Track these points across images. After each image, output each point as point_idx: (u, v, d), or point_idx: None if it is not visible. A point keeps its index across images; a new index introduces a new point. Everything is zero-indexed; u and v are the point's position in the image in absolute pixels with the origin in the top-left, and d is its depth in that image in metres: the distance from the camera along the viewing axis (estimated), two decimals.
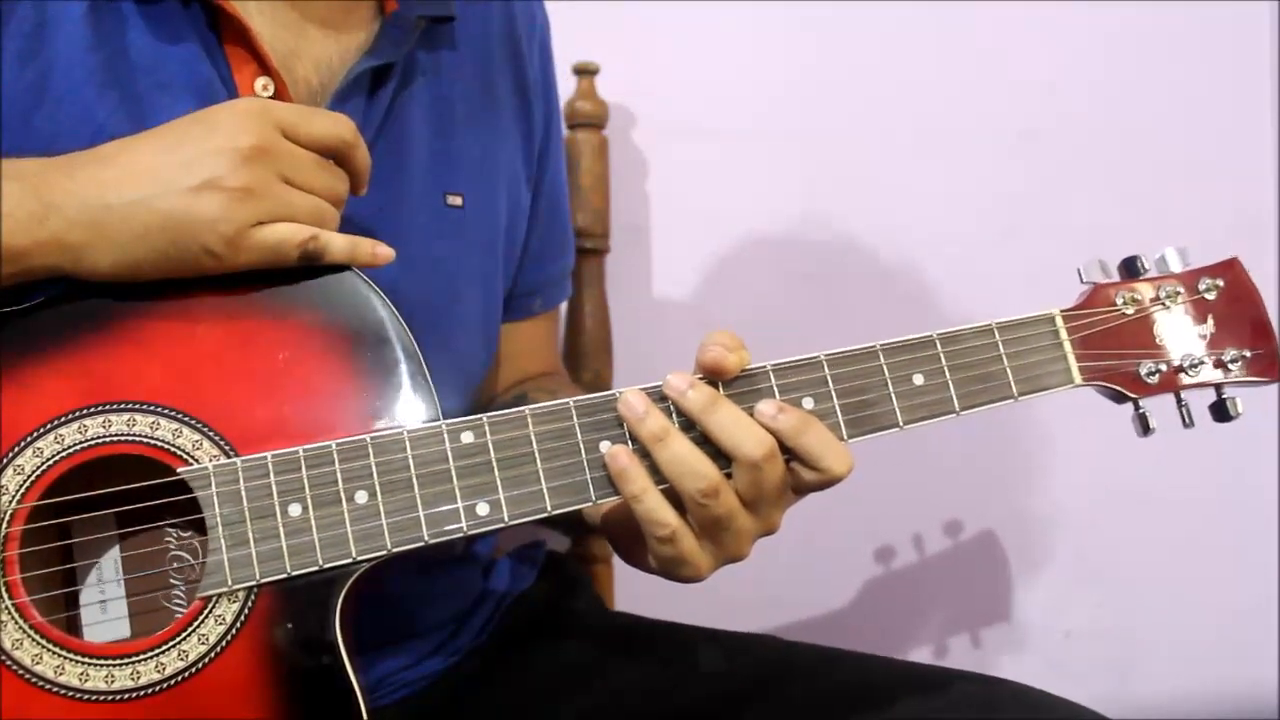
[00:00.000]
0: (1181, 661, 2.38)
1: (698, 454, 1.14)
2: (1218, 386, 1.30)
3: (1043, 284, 2.15)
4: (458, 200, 1.46)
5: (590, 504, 1.15)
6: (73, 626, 1.14)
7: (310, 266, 1.16)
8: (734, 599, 2.08)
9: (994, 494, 2.30)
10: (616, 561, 2.05)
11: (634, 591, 2.12)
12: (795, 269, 2.29)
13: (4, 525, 1.07)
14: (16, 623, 1.06)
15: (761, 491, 1.16)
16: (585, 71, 2.13)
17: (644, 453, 1.15)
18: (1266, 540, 2.34)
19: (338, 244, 1.16)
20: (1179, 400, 1.29)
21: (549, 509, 1.14)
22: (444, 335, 1.40)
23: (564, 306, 1.97)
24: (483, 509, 1.12)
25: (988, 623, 2.36)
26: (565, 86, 1.78)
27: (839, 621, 2.30)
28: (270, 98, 1.31)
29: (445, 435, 1.13)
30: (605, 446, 1.15)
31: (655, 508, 1.14)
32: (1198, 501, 2.31)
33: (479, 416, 1.14)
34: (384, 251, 1.19)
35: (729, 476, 1.16)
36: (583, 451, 1.15)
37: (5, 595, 1.06)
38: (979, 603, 2.37)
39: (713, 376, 1.19)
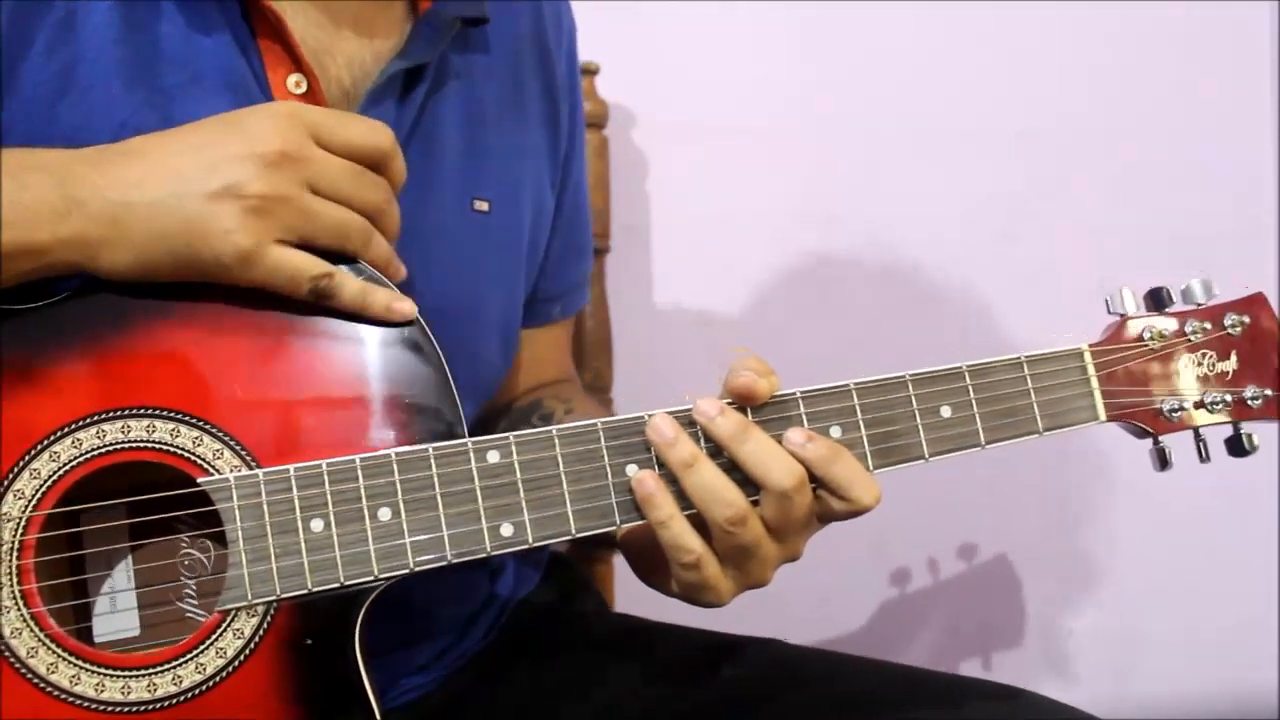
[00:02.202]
0: (1182, 662, 2.41)
1: (726, 481, 1.14)
2: (1235, 423, 1.31)
3: (1042, 283, 2.18)
4: (484, 205, 1.44)
5: (614, 527, 1.15)
6: (84, 630, 1.13)
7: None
8: (738, 602, 2.09)
9: (996, 495, 2.31)
10: (617, 563, 2.06)
11: (635, 593, 2.12)
12: (795, 269, 2.30)
13: (20, 533, 1.06)
14: (32, 630, 1.05)
15: (789, 520, 1.15)
16: (585, 71, 2.12)
17: (670, 478, 1.14)
18: (1267, 541, 2.36)
19: (350, 289, 1.14)
20: (1197, 435, 1.30)
21: (573, 531, 1.13)
22: (465, 340, 1.39)
23: None
24: (507, 530, 1.12)
25: (990, 622, 2.37)
26: None
27: (841, 622, 2.32)
28: (303, 94, 1.29)
29: (471, 454, 1.12)
30: (632, 470, 1.15)
31: (681, 533, 1.14)
32: (1199, 502, 2.33)
33: (505, 436, 1.13)
34: (401, 307, 1.15)
35: (755, 504, 1.15)
36: (609, 474, 1.14)
37: (22, 604, 1.06)
38: (981, 603, 2.38)
39: (743, 402, 1.18)
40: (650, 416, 1.16)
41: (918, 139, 2.33)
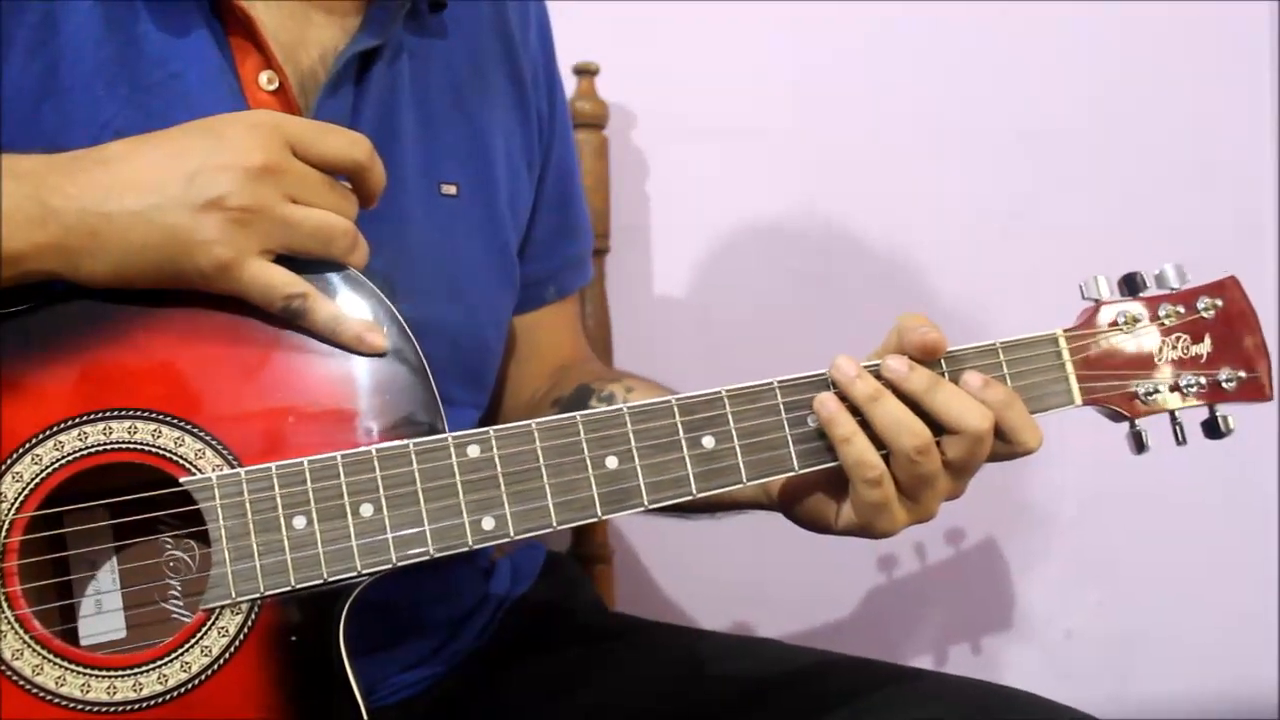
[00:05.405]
0: (1182, 662, 2.39)
1: (910, 413, 1.18)
2: (1211, 405, 1.32)
3: (1042, 284, 2.17)
4: (452, 189, 1.45)
5: (595, 519, 1.15)
6: (69, 631, 1.13)
7: (315, 273, 1.14)
8: (733, 601, 2.08)
9: (994, 494, 2.31)
10: (617, 562, 2.06)
11: (634, 592, 2.12)
12: (795, 268, 2.30)
13: (3, 536, 1.06)
14: (17, 633, 1.05)
15: (974, 460, 1.20)
16: (585, 71, 2.13)
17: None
18: (1267, 540, 2.35)
19: (322, 312, 1.13)
20: (1173, 418, 1.31)
21: (554, 524, 1.13)
22: (447, 326, 1.40)
23: None
24: (488, 523, 1.11)
25: (988, 623, 2.37)
26: (565, 86, 1.77)
27: (837, 622, 2.31)
28: (275, 91, 1.30)
29: (451, 449, 1.12)
30: (612, 462, 1.15)
31: (865, 450, 1.17)
32: (1198, 501, 2.32)
33: (485, 430, 1.13)
34: (372, 339, 1.14)
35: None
36: (589, 466, 1.14)
37: (6, 606, 1.06)
38: (980, 603, 2.37)
39: (928, 357, 1.21)
40: (833, 359, 1.20)
41: (918, 139, 2.32)
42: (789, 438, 1.19)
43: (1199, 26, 2.38)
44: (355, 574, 1.09)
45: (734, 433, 1.18)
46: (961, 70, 2.33)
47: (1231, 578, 2.37)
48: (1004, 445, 1.22)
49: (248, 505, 1.08)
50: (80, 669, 1.06)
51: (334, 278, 1.15)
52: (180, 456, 1.09)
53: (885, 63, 2.33)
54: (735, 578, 2.19)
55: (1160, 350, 1.30)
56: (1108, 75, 2.36)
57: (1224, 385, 1.30)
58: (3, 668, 1.05)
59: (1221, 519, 2.36)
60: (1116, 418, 1.31)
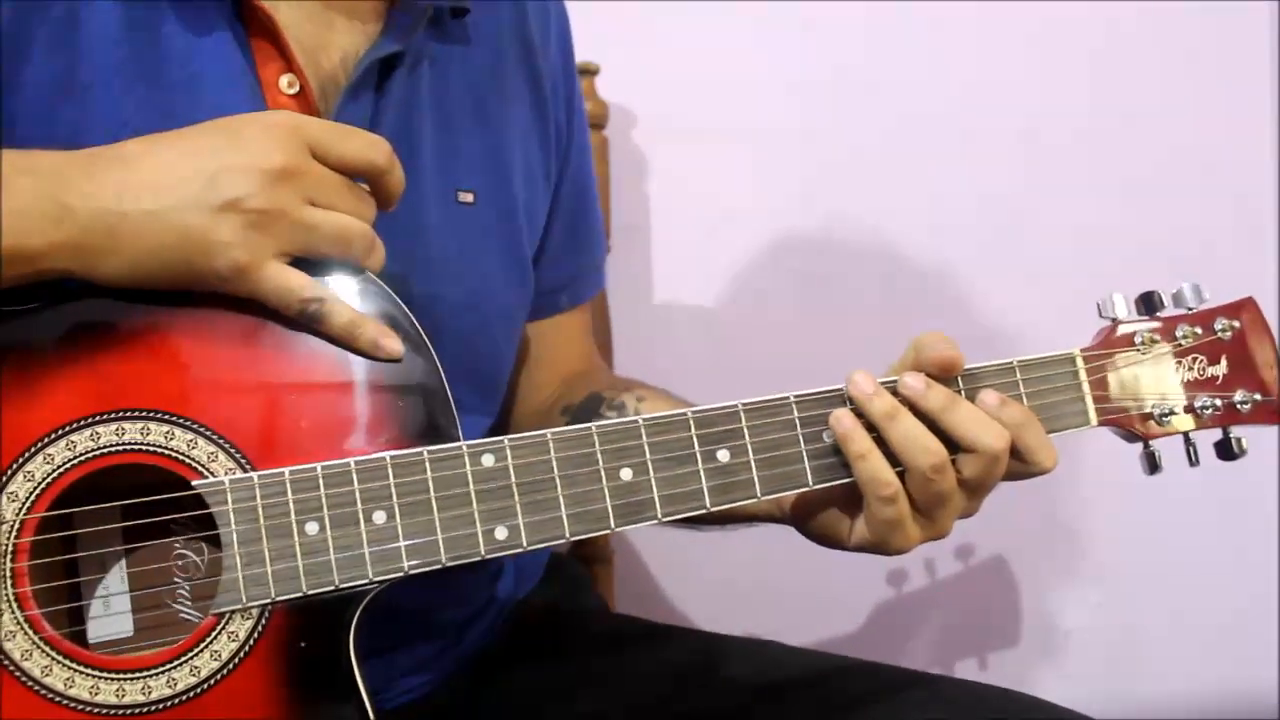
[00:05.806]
0: (1181, 661, 2.41)
1: (926, 431, 1.17)
2: (1225, 427, 1.31)
3: (1043, 283, 2.17)
4: (469, 197, 1.44)
5: (608, 531, 1.15)
6: (78, 633, 1.13)
7: (332, 276, 1.14)
8: (734, 603, 2.08)
9: (994, 494, 2.30)
10: (618, 563, 2.06)
11: (635, 593, 2.12)
12: (795, 268, 2.30)
13: (14, 535, 1.06)
14: (26, 634, 1.05)
15: (990, 478, 1.21)
16: (585, 71, 2.12)
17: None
18: (1266, 540, 2.36)
19: (339, 317, 1.12)
20: (1186, 439, 1.31)
21: (567, 535, 1.13)
22: (462, 334, 1.39)
23: None
24: (501, 533, 1.11)
25: (988, 623, 2.38)
26: None
27: (838, 624, 2.31)
28: (295, 95, 1.29)
29: (466, 457, 1.11)
30: (626, 474, 1.15)
31: (880, 467, 1.17)
32: (1198, 501, 2.33)
33: (500, 439, 1.12)
34: (388, 345, 1.13)
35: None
36: (604, 478, 1.14)
37: (16, 607, 1.05)
38: (980, 603, 2.38)
39: (945, 374, 1.21)
40: (849, 375, 1.19)
41: (918, 139, 2.33)
42: (804, 453, 1.19)
43: (1199, 27, 2.39)
44: (366, 581, 1.09)
45: (749, 447, 1.18)
46: (962, 70, 2.34)
47: (1232, 579, 2.39)
48: (1020, 465, 1.21)
49: (260, 510, 1.08)
50: (89, 671, 1.06)
51: (350, 282, 1.15)
52: (193, 459, 1.09)
53: (885, 63, 2.33)
54: (736, 579, 2.20)
55: (1176, 371, 1.30)
56: (1107, 75, 2.37)
57: (1239, 408, 1.30)
58: (12, 668, 1.04)
59: (1221, 519, 2.37)
60: (1131, 438, 1.31)
